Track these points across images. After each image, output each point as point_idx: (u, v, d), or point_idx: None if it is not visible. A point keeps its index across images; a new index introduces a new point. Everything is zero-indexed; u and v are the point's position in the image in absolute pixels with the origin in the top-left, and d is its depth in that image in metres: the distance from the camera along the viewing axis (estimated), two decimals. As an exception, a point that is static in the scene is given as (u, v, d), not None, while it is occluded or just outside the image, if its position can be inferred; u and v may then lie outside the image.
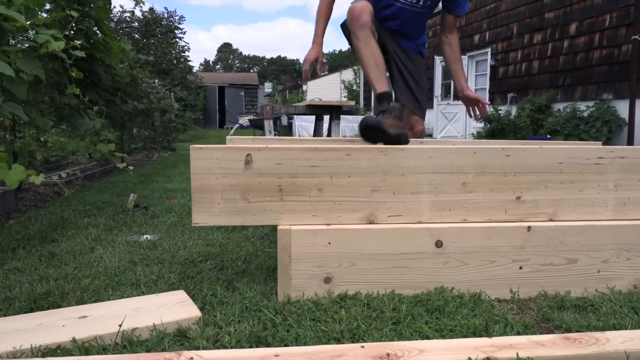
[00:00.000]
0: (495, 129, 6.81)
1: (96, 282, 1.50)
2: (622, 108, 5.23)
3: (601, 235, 1.45)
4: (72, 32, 3.27)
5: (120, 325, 1.11)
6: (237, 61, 62.23)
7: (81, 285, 1.47)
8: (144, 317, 1.19)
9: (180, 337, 1.13)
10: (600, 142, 2.29)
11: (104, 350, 1.07)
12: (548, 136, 5.76)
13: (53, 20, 2.94)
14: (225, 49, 62.16)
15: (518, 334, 1.16)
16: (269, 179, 1.38)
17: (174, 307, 1.25)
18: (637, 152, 1.49)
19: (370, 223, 1.41)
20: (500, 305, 1.37)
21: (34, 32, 2.54)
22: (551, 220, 1.47)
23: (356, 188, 1.41)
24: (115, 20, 14.13)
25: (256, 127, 11.68)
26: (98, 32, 3.57)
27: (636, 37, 4.83)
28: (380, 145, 1.43)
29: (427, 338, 1.12)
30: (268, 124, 4.69)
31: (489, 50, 8.01)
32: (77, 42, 2.76)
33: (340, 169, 1.40)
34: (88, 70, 3.46)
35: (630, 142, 4.88)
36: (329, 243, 1.38)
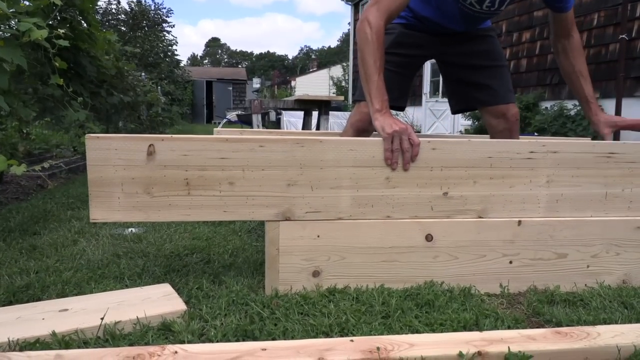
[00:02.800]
0: (483, 126, 6.84)
1: (78, 275, 1.46)
2: (609, 107, 5.28)
3: (591, 230, 1.45)
4: (56, 21, 3.19)
5: (102, 319, 1.08)
6: (225, 56, 61.81)
7: (62, 278, 1.43)
8: (127, 310, 1.15)
9: (165, 331, 1.10)
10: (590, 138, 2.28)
11: (85, 344, 1.03)
12: (535, 134, 5.81)
13: (36, 8, 2.85)
14: (214, 44, 61.69)
15: (509, 328, 1.15)
16: (174, 171, 1.28)
17: (159, 301, 1.22)
18: (570, 147, 1.43)
19: (287, 220, 1.33)
20: (490, 299, 1.36)
21: (16, 20, 2.47)
22: (480, 217, 1.41)
23: (271, 182, 1.32)
24: (101, 12, 13.91)
25: (244, 122, 11.61)
26: (83, 22, 3.49)
27: (623, 36, 4.87)
28: (296, 137, 1.33)
29: (417, 332, 1.11)
30: (256, 119, 4.65)
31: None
32: (61, 31, 2.69)
33: (253, 161, 1.31)
34: (72, 61, 3.38)
35: (616, 138, 4.92)
36: (318, 236, 1.35)
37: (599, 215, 1.45)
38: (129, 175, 1.27)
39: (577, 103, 5.98)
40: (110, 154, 1.26)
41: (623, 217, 1.46)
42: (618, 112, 4.90)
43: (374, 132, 1.88)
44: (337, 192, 1.35)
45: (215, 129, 2.20)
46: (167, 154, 1.28)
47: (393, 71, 1.76)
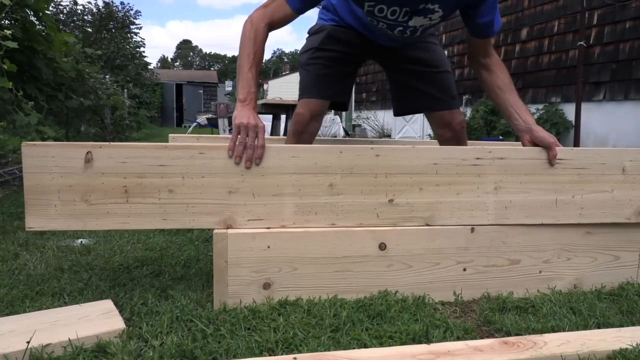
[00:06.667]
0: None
1: (13, 293, 1.37)
2: (569, 111, 5.42)
3: (543, 235, 1.46)
4: (6, 21, 3.06)
5: (28, 342, 1.00)
6: (197, 59, 61.02)
7: (-5, 296, 1.34)
8: (59, 331, 1.08)
9: (99, 353, 1.03)
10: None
11: (7, 370, 0.96)
12: (500, 137, 5.92)
13: (-18, 8, 2.73)
14: (185, 46, 60.82)
15: (458, 339, 1.13)
16: (112, 179, 1.26)
17: (96, 319, 1.15)
18: (517, 153, 1.41)
19: (229, 227, 1.30)
20: (444, 308, 1.35)
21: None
22: (428, 225, 1.39)
23: (211, 189, 1.29)
24: (65, 12, 13.50)
25: (214, 126, 11.44)
26: (37, 23, 3.35)
27: (582, 42, 5.01)
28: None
29: (365, 346, 1.08)
30: (222, 123, 4.57)
31: (445, 52, 8.16)
32: (8, 32, 2.57)
33: (192, 168, 1.28)
34: (27, 64, 3.24)
35: (576, 143, 5.06)
36: (268, 247, 1.31)
37: (550, 222, 1.45)
38: (66, 183, 1.25)
39: (540, 107, 6.07)
40: (47, 161, 1.23)
41: (575, 223, 1.47)
42: (578, 115, 5.03)
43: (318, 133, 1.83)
44: (280, 199, 1.32)
45: (170, 135, 2.13)
46: (105, 161, 1.25)
47: (327, 65, 1.74)
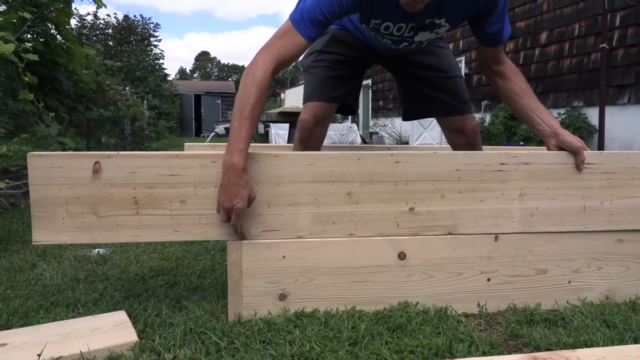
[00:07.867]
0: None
1: (29, 303, 1.36)
2: (592, 115, 5.28)
3: (571, 244, 1.39)
4: (28, 35, 3.12)
5: (39, 355, 0.98)
6: (215, 70, 61.82)
7: (10, 307, 1.33)
8: (71, 343, 1.06)
9: (111, 366, 1.01)
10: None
11: (18, 384, 0.94)
12: (521, 143, 5.79)
13: (5, 22, 2.78)
14: (203, 57, 61.73)
15: (483, 354, 1.07)
16: (121, 190, 1.22)
17: (109, 331, 1.13)
18: (543, 158, 1.35)
19: (242, 239, 1.25)
20: (467, 320, 1.29)
21: (-17, 34, 2.40)
22: (450, 234, 1.33)
23: None
24: (88, 26, 13.85)
25: (232, 135, 11.52)
26: (59, 36, 3.42)
27: (604, 45, 4.89)
28: (250, 151, 1.24)
29: (385, 361, 1.03)
30: (239, 132, 4.59)
31: (463, 58, 8.07)
32: (29, 45, 2.61)
33: (205, 178, 1.24)
34: (48, 76, 3.30)
35: (600, 147, 4.92)
36: (284, 257, 1.27)
37: (578, 229, 1.38)
38: (73, 195, 1.22)
39: (562, 112, 5.95)
40: (53, 172, 1.21)
41: (605, 230, 1.40)
42: (601, 119, 4.90)
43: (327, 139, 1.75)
44: (296, 209, 1.28)
45: (186, 143, 2.12)
46: (113, 172, 1.22)
47: (331, 68, 1.67)
